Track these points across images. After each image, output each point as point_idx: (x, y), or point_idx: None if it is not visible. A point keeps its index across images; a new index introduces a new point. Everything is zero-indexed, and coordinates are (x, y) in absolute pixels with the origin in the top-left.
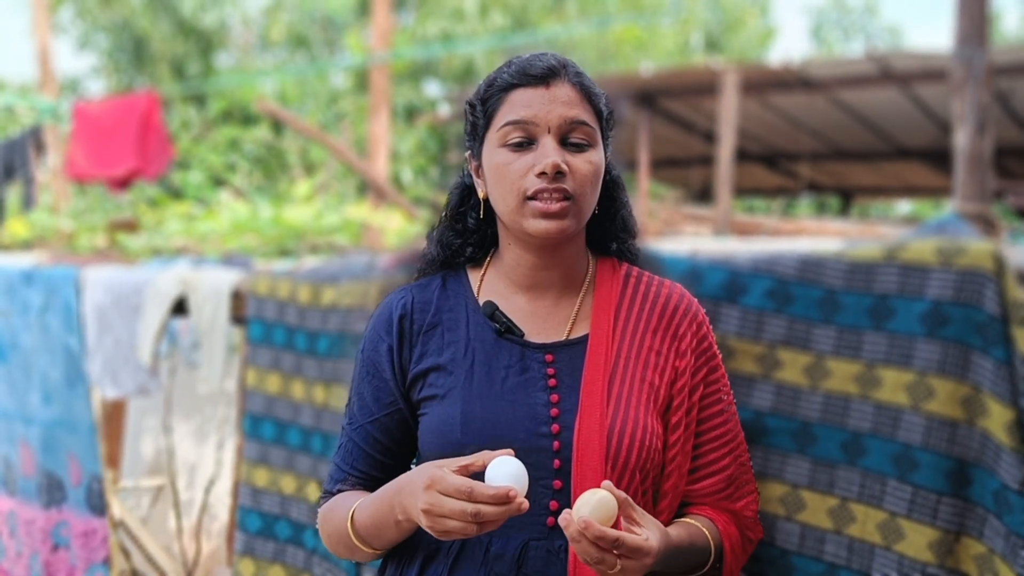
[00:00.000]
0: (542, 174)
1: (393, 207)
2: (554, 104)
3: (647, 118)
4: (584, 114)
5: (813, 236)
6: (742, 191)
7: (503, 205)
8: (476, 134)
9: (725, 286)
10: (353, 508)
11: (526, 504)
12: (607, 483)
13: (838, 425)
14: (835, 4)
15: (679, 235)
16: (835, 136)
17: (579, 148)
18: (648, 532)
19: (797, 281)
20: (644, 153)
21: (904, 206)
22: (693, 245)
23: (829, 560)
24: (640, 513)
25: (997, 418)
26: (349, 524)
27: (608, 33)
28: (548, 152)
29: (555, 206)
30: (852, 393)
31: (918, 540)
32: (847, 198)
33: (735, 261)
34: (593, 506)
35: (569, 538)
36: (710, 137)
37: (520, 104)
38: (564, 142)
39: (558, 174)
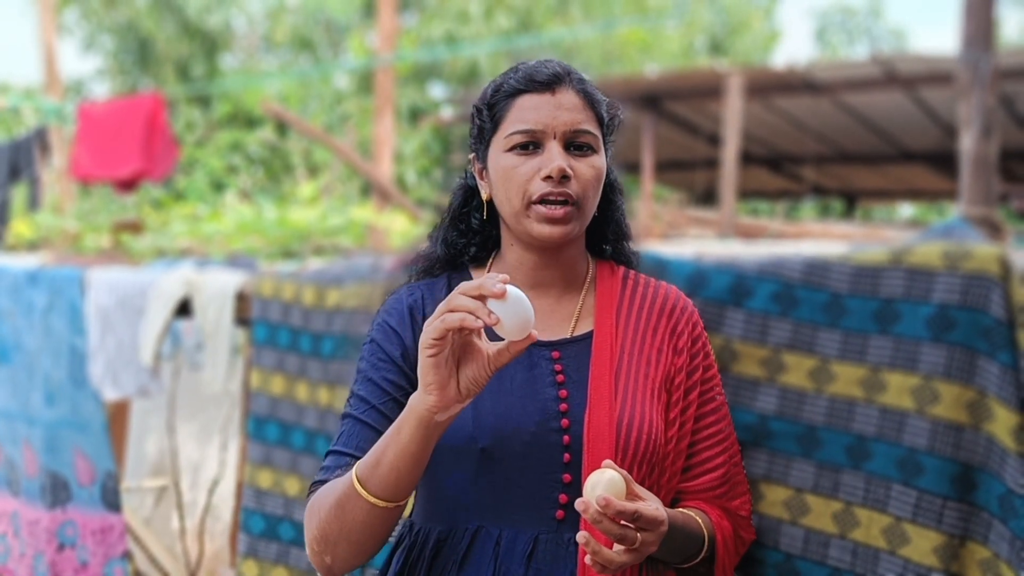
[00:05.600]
0: (548, 178)
1: (397, 209)
2: (560, 111)
3: (651, 120)
4: (587, 121)
5: (817, 239)
6: (746, 194)
7: (508, 208)
8: (483, 138)
9: (730, 289)
10: (354, 468)
11: (534, 335)
12: (608, 462)
13: (843, 429)
14: (839, 7)
15: (683, 238)
16: (839, 139)
17: (582, 153)
18: (656, 503)
19: (802, 285)
20: (648, 155)
21: (906, 210)
22: (697, 248)
23: (833, 564)
24: (639, 488)
25: (1003, 422)
26: (355, 479)
27: (612, 35)
28: (554, 157)
29: (559, 211)
30: (857, 397)
31: (923, 544)
32: (851, 201)
33: (740, 264)
34: (605, 484)
35: (590, 520)
36: (714, 140)
37: (527, 110)
38: (568, 147)
39: (563, 178)
